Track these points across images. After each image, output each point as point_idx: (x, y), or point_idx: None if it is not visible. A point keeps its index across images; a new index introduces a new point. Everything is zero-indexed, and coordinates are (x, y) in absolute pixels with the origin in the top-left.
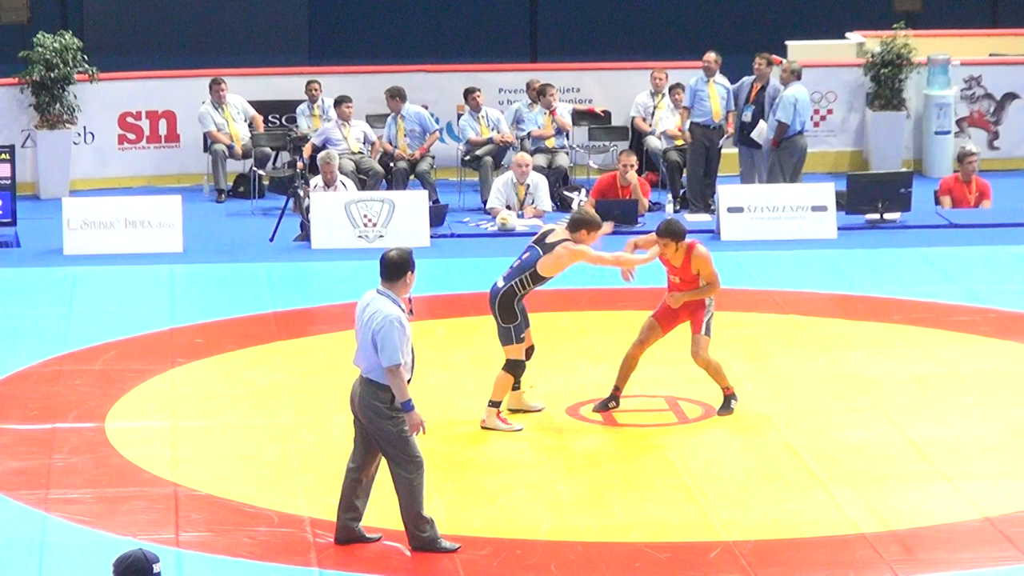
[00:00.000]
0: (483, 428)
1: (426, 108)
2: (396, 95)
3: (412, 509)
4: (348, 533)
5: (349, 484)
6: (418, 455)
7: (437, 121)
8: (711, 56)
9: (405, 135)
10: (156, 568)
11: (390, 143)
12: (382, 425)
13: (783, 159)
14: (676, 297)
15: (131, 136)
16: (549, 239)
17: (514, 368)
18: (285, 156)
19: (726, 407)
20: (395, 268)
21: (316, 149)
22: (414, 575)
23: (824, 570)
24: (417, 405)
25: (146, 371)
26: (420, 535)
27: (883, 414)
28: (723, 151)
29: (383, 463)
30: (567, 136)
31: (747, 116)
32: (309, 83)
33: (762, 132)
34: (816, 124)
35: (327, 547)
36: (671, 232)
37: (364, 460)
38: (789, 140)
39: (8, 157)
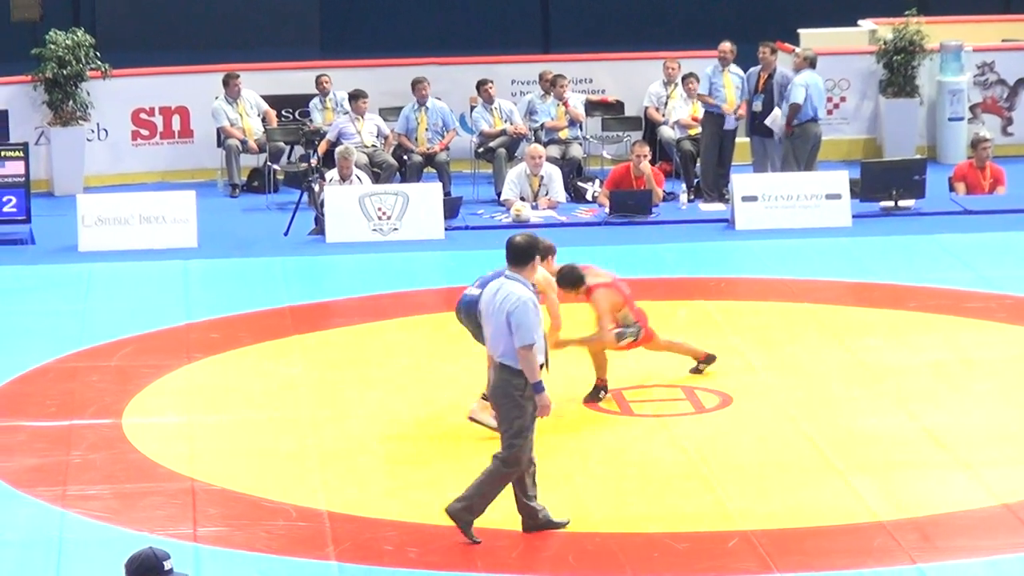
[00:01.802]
0: (470, 420)
1: (439, 100)
2: (424, 81)
3: (483, 493)
4: (533, 521)
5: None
6: (526, 457)
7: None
8: (726, 46)
9: (427, 128)
10: (168, 565)
11: (406, 135)
12: (511, 412)
13: (797, 147)
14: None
15: (144, 132)
16: None
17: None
18: (299, 150)
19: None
20: (523, 253)
21: (331, 144)
22: (432, 568)
23: (842, 558)
24: (435, 397)
25: (162, 367)
26: (459, 508)
27: (900, 402)
28: (736, 140)
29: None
30: (580, 127)
31: (757, 106)
32: (319, 76)
33: (776, 119)
34: (829, 112)
35: (345, 541)
36: (562, 281)
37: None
38: (802, 127)
39: (22, 154)
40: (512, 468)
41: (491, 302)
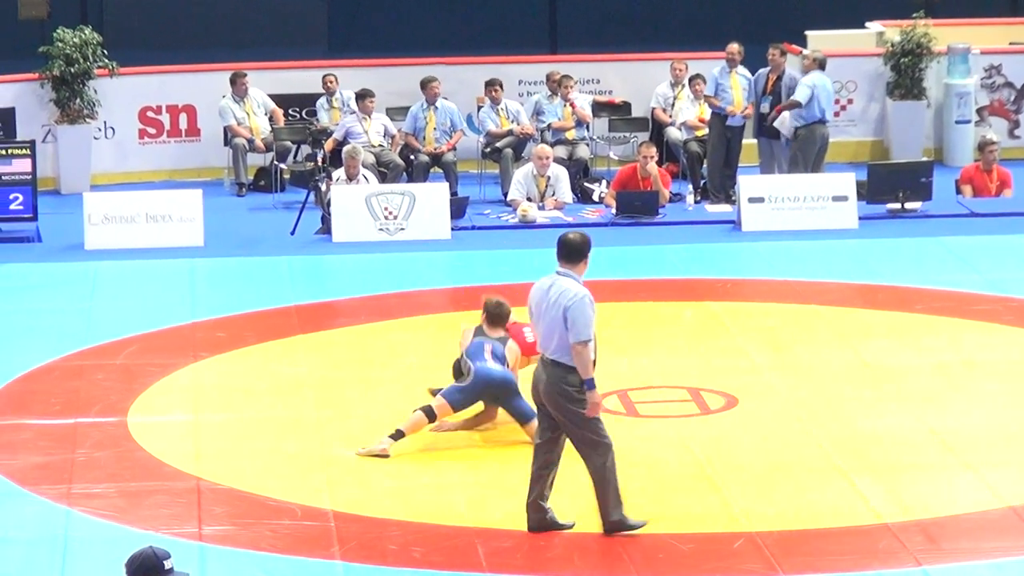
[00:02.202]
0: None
1: (447, 100)
2: (435, 80)
3: (607, 492)
4: (540, 521)
5: (537, 468)
6: (607, 437)
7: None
8: (734, 47)
9: (435, 128)
10: (168, 564)
11: (413, 135)
12: (571, 408)
13: (804, 149)
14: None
15: (151, 130)
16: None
17: (430, 414)
18: (306, 150)
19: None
20: (577, 250)
21: (338, 143)
22: (437, 568)
23: (847, 560)
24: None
25: (168, 365)
26: (611, 518)
27: (905, 403)
28: (743, 142)
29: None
30: (587, 128)
31: (765, 107)
32: (325, 76)
33: (784, 121)
34: (836, 114)
35: (350, 540)
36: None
37: (549, 445)
38: (808, 128)
39: (29, 152)
40: (604, 450)
41: (544, 299)
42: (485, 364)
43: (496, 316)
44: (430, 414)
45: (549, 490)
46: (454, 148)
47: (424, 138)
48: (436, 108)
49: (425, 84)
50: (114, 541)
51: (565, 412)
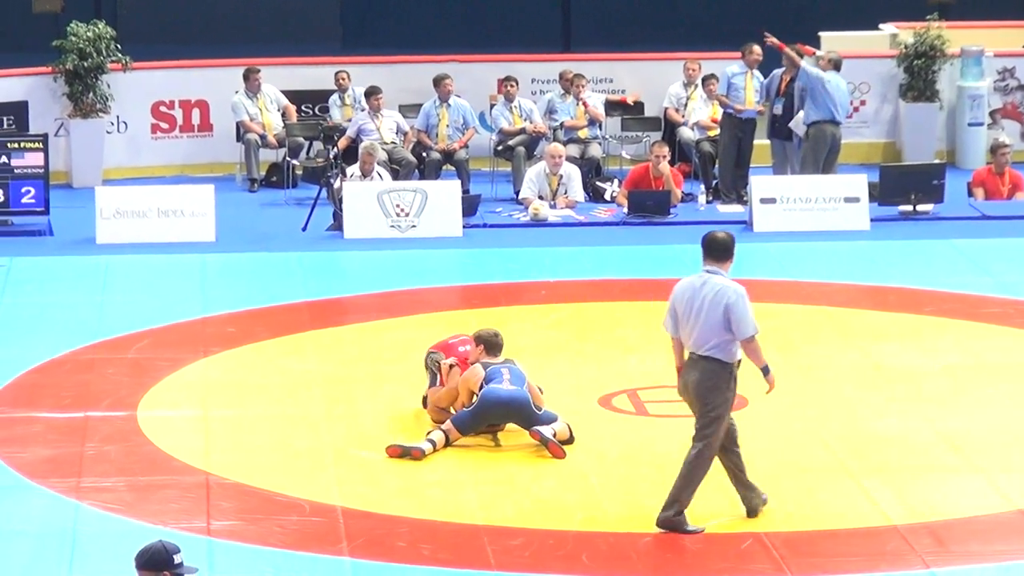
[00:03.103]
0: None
1: (460, 98)
2: (448, 78)
3: (686, 487)
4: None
5: (732, 464)
6: (719, 443)
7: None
8: (758, 49)
9: (448, 125)
10: (177, 558)
11: (426, 132)
12: (715, 402)
13: (815, 148)
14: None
15: (164, 125)
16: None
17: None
18: (318, 146)
19: None
20: (725, 248)
21: (351, 141)
22: (445, 565)
23: (855, 562)
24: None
25: (178, 360)
26: (671, 512)
27: (915, 406)
28: (755, 142)
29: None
30: (600, 127)
31: (778, 109)
32: (337, 73)
33: (799, 122)
34: (849, 115)
35: (358, 536)
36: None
37: (728, 441)
38: (818, 127)
39: (41, 146)
40: (711, 454)
41: (695, 297)
42: (494, 386)
43: (497, 345)
44: (442, 442)
45: (744, 474)
46: (466, 146)
47: (437, 135)
48: (449, 106)
49: (438, 81)
50: (123, 535)
51: (707, 403)
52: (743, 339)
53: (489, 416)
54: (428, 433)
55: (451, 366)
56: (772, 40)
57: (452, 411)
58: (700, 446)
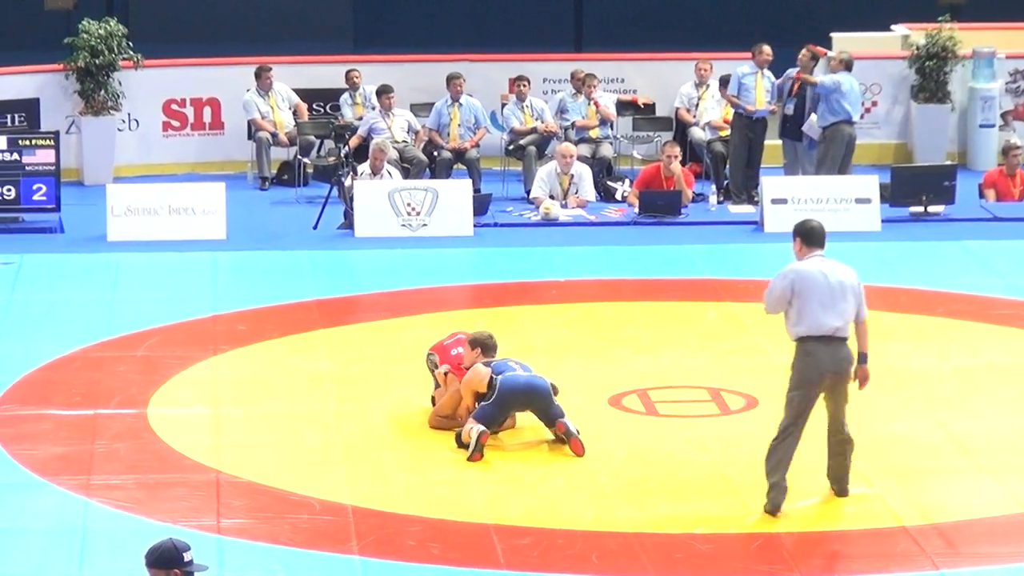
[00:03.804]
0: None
1: (472, 97)
2: (459, 77)
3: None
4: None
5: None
6: None
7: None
8: (768, 49)
9: (460, 124)
10: (187, 556)
11: (437, 131)
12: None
13: (832, 148)
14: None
15: (175, 123)
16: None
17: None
18: (329, 144)
19: None
20: (824, 234)
21: (363, 140)
22: (455, 564)
23: (866, 563)
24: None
25: (189, 358)
26: (845, 487)
27: (925, 407)
28: (767, 143)
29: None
30: (611, 126)
31: (790, 109)
32: (349, 71)
33: (812, 125)
34: (861, 116)
35: (368, 535)
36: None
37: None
38: (834, 127)
39: (53, 143)
40: None
41: (825, 283)
42: (510, 374)
43: (492, 347)
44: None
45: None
46: (477, 145)
47: (448, 134)
48: (461, 105)
49: (450, 80)
50: (132, 533)
51: (846, 384)
52: (863, 320)
53: (510, 404)
54: (465, 432)
55: (445, 373)
56: (817, 49)
57: (458, 418)
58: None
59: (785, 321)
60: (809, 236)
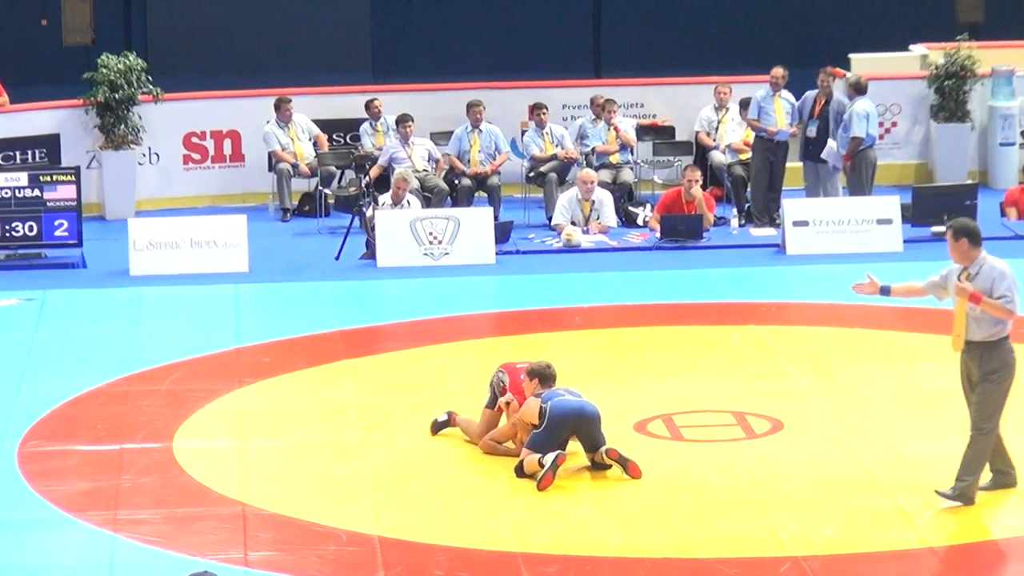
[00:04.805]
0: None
1: (491, 124)
2: (480, 104)
3: (976, 467)
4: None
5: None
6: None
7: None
8: (779, 71)
9: (480, 151)
10: None
11: (458, 157)
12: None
13: (861, 173)
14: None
15: (196, 156)
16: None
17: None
18: (350, 175)
19: None
20: (980, 234)
21: (383, 169)
22: None
23: None
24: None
25: (213, 391)
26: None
27: (951, 427)
28: (788, 165)
29: None
30: (631, 151)
31: (812, 131)
32: (370, 101)
33: (831, 151)
34: (881, 137)
35: (396, 565)
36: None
37: None
38: (862, 153)
39: (74, 178)
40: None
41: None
42: (558, 400)
43: (550, 376)
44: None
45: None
46: (498, 172)
47: (469, 161)
48: (480, 132)
49: (470, 107)
50: (160, 567)
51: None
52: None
53: (561, 429)
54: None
55: (508, 403)
56: (835, 71)
57: (511, 444)
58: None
59: (980, 324)
60: (975, 236)
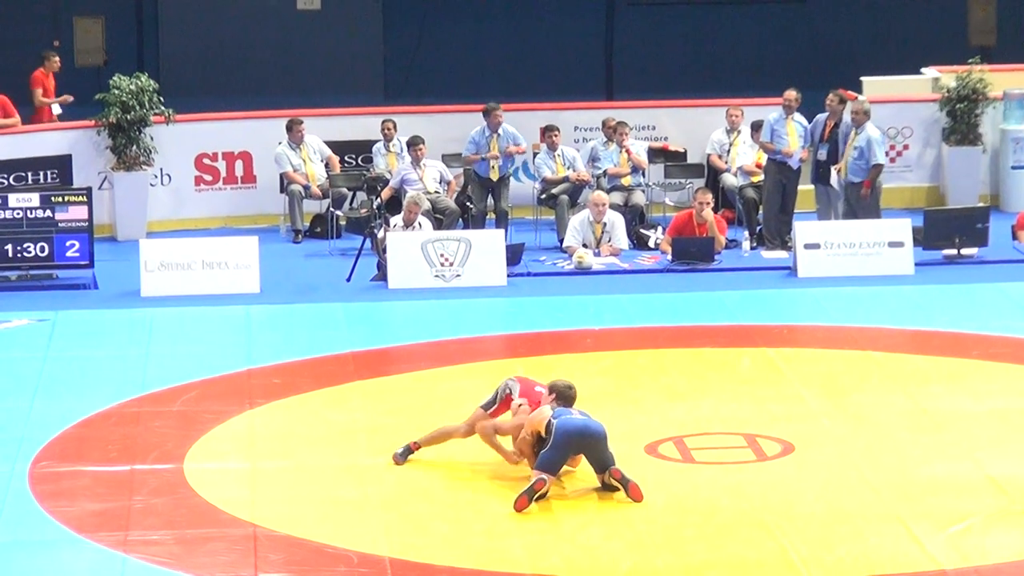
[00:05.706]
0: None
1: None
2: (498, 109)
3: None
4: None
5: None
6: None
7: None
8: (792, 94)
9: (499, 154)
10: None
11: (477, 154)
12: None
13: (878, 198)
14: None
15: (208, 177)
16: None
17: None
18: (362, 196)
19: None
20: None
21: (395, 191)
22: None
23: None
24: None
25: (224, 412)
26: None
27: (963, 450)
28: (799, 188)
29: None
30: (643, 174)
31: (822, 154)
32: (384, 122)
33: (837, 176)
34: (892, 160)
35: None
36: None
37: None
38: (877, 180)
39: (85, 199)
40: None
41: None
42: (565, 417)
43: (569, 397)
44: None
45: None
46: (506, 184)
47: (489, 166)
48: (499, 135)
49: (489, 112)
50: None
51: None
52: None
53: (567, 446)
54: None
55: (519, 405)
56: (846, 94)
57: (507, 447)
58: None
59: None
60: None
